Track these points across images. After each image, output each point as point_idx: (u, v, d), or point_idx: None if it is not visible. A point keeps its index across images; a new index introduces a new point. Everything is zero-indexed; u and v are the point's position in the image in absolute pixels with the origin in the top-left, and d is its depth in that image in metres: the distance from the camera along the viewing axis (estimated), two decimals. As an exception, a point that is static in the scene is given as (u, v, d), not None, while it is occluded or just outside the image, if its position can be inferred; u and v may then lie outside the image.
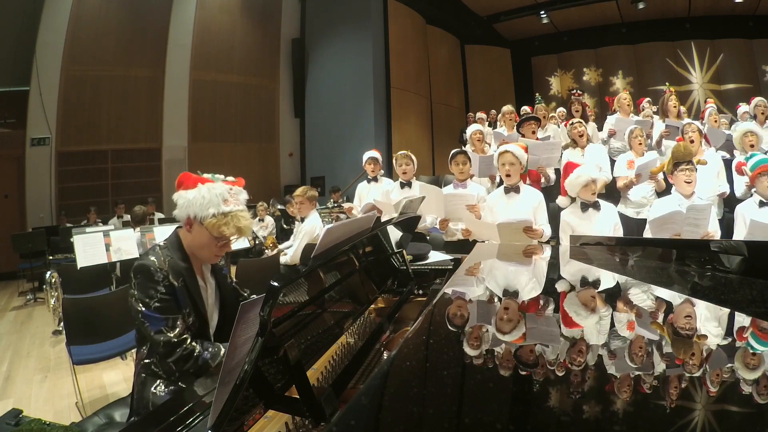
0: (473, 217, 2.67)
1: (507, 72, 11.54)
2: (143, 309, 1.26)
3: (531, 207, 2.57)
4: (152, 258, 1.31)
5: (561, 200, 3.08)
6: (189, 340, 1.28)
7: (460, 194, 2.85)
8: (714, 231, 2.42)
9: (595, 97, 10.59)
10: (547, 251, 1.74)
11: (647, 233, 2.48)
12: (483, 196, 2.89)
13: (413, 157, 3.32)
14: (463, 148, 4.57)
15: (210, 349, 1.30)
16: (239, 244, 4.18)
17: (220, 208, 1.30)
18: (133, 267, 1.30)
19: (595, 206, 2.49)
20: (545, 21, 9.74)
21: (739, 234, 2.54)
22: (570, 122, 3.78)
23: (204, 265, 1.45)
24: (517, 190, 2.63)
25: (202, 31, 9.28)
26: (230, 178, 1.41)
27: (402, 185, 3.29)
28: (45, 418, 0.90)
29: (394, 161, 3.39)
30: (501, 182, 3.83)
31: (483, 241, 2.62)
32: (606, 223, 2.51)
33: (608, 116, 4.58)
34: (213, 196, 1.31)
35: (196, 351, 1.27)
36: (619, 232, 2.58)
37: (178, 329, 1.27)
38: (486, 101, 9.97)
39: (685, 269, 1.23)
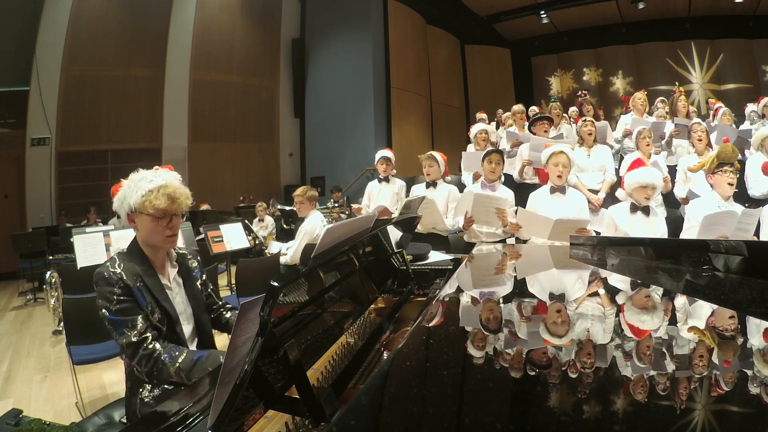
0: (501, 222, 2.60)
1: (507, 72, 11.55)
2: (107, 314, 1.26)
3: (577, 208, 2.56)
4: (107, 264, 1.32)
5: (620, 192, 2.91)
6: (150, 340, 1.26)
7: (495, 196, 2.70)
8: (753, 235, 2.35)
9: (596, 97, 10.60)
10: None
11: (688, 232, 2.37)
12: (511, 201, 2.81)
13: (438, 158, 3.23)
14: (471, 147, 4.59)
15: (172, 352, 1.26)
16: (238, 244, 4.17)
17: (147, 186, 1.32)
18: (93, 277, 1.30)
19: (645, 210, 2.43)
20: (545, 21, 9.75)
21: (766, 235, 2.47)
22: (582, 119, 3.76)
23: (171, 266, 1.45)
24: (563, 190, 2.60)
25: (202, 31, 9.29)
26: (157, 167, 1.43)
27: (427, 185, 3.26)
28: (45, 418, 0.90)
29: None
30: (506, 181, 3.84)
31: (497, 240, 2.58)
32: (654, 229, 2.42)
33: (622, 116, 4.62)
34: (137, 182, 1.34)
35: (156, 352, 1.25)
36: None
37: (138, 327, 1.26)
38: (486, 101, 9.98)
39: (682, 269, 1.23)
